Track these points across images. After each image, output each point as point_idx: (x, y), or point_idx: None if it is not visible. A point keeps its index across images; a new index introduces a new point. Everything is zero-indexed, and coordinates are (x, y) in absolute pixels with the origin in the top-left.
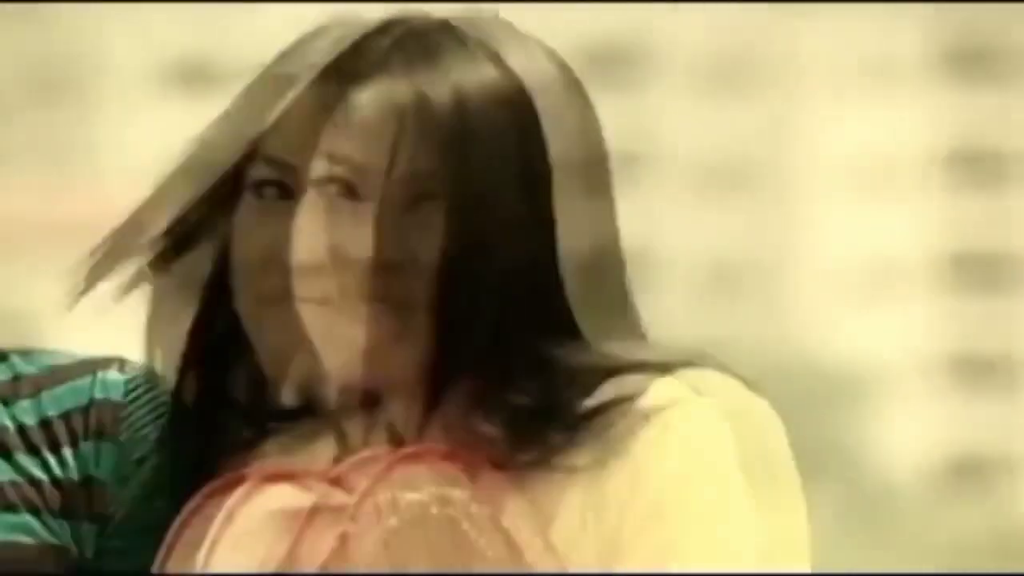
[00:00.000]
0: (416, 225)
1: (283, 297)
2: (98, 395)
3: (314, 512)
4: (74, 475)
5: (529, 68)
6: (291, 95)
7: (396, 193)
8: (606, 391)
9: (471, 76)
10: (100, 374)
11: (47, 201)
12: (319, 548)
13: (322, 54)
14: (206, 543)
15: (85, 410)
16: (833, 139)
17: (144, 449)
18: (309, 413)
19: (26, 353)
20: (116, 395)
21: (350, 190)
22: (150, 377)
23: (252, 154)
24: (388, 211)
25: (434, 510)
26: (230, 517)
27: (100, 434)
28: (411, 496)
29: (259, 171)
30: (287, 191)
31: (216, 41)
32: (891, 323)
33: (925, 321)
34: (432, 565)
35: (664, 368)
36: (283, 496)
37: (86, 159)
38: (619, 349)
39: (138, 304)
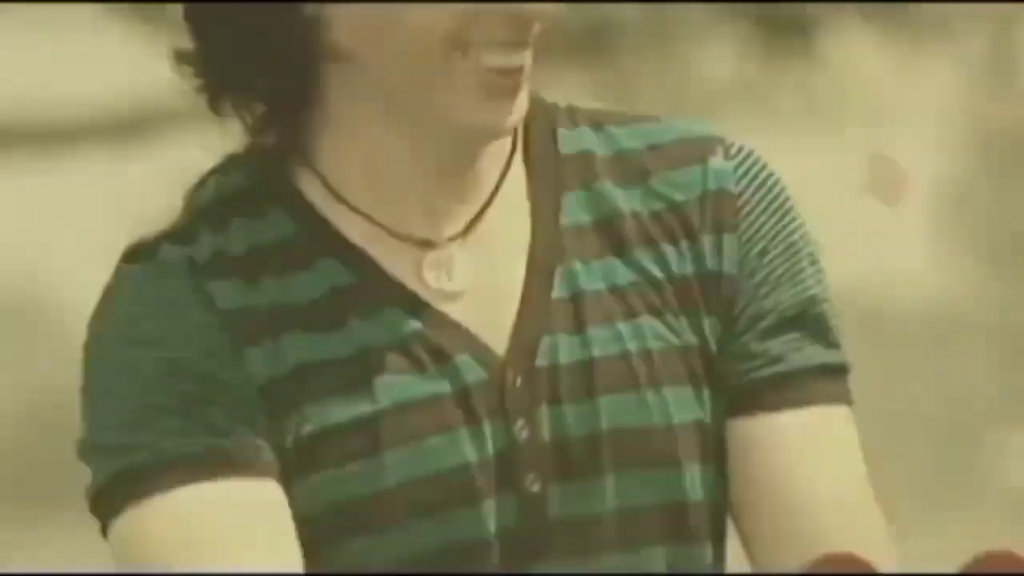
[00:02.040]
0: None
1: None
2: (711, 186)
3: None
4: (689, 269)
5: None
6: None
7: None
8: None
9: None
10: (709, 162)
11: None
12: None
13: None
14: None
15: (700, 201)
16: None
17: (764, 240)
18: None
19: (623, 122)
20: (729, 185)
21: None
22: (755, 160)
23: None
24: None
25: None
26: None
27: (719, 228)
28: None
29: None
30: None
31: None
32: None
33: None
34: None
35: None
36: None
37: None
38: None
39: None
